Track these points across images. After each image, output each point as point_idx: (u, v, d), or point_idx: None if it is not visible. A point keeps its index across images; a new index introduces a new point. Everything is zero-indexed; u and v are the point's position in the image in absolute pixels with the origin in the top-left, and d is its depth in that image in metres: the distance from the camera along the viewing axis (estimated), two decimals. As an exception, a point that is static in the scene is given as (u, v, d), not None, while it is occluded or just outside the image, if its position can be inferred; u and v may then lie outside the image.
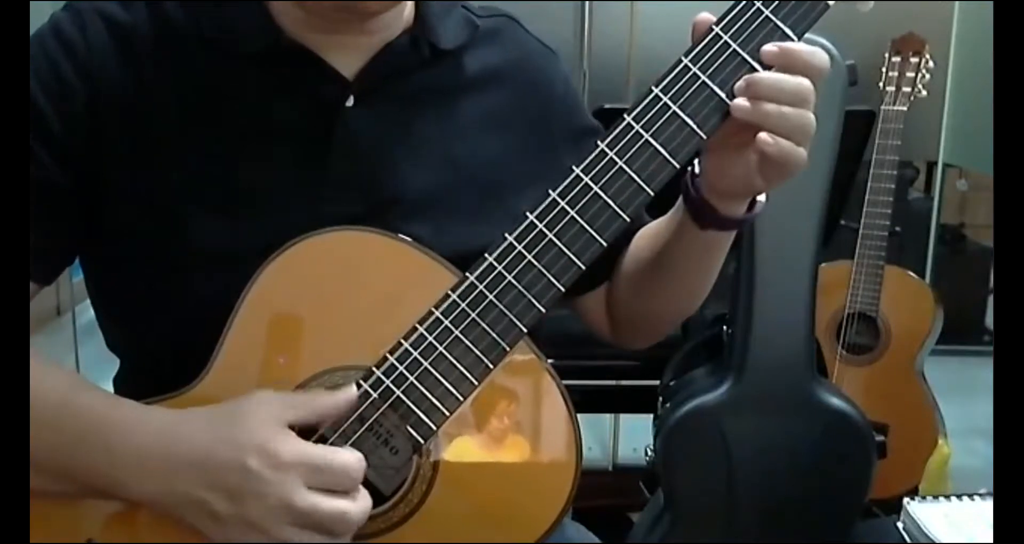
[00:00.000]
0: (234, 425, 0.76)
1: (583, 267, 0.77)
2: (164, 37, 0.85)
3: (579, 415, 0.81)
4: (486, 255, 0.78)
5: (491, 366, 0.78)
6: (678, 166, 0.76)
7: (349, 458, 0.76)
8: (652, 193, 0.77)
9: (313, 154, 0.86)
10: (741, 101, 0.75)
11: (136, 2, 0.86)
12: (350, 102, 0.87)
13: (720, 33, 0.75)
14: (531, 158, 0.92)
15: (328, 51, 0.86)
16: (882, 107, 2.16)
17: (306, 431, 0.78)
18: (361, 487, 0.76)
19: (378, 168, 0.87)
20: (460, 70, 0.92)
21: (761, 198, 0.86)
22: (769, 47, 0.75)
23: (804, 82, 0.76)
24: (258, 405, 0.77)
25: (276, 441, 0.74)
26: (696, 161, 0.84)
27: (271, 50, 0.85)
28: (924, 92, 2.19)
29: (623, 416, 2.74)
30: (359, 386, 0.79)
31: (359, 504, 0.76)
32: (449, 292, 0.78)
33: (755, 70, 0.75)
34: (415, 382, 0.78)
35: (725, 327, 1.69)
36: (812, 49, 0.76)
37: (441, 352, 0.78)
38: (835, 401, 1.64)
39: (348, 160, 0.86)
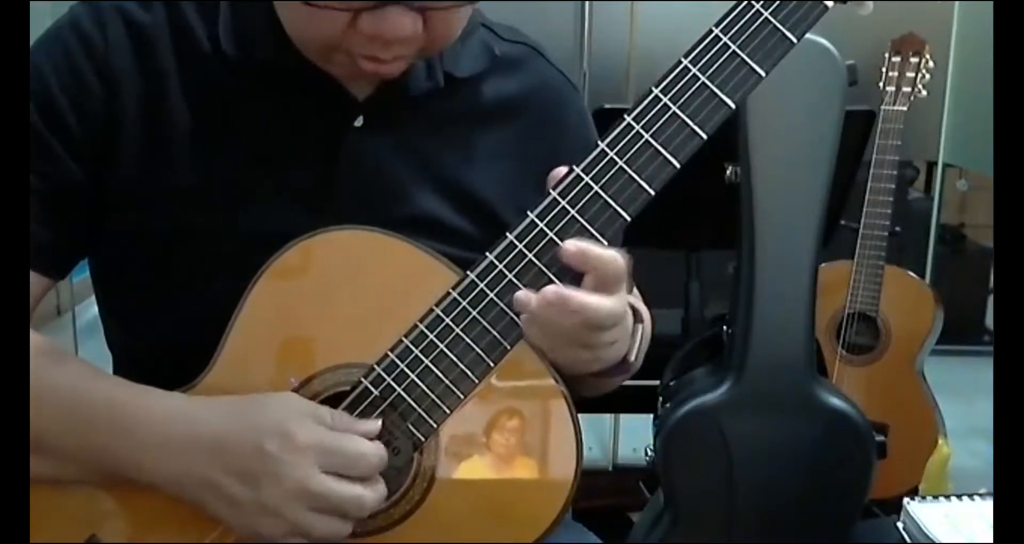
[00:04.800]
0: (253, 410, 0.77)
1: (584, 266, 0.78)
2: (181, 42, 0.85)
3: (579, 415, 0.82)
4: (487, 253, 0.78)
5: (492, 364, 0.78)
6: (678, 166, 0.77)
7: (366, 445, 0.76)
8: (653, 193, 0.77)
9: (319, 170, 0.86)
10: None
11: (155, 2, 0.86)
12: (359, 123, 0.86)
13: (720, 34, 0.76)
14: (537, 191, 0.91)
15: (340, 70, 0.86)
16: (882, 107, 2.16)
17: None
18: (377, 475, 0.77)
19: (382, 190, 0.87)
20: (474, 99, 0.91)
21: (632, 357, 0.86)
22: (569, 246, 0.76)
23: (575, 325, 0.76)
24: (280, 398, 0.78)
25: (293, 425, 0.75)
26: None
27: (283, 67, 0.85)
28: (924, 92, 2.19)
29: (623, 416, 2.74)
30: (360, 383, 0.79)
31: (375, 490, 0.77)
32: (450, 290, 0.78)
33: (754, 71, 0.76)
34: (416, 380, 0.79)
35: (725, 327, 1.69)
36: (610, 259, 0.76)
37: (442, 350, 0.78)
38: (835, 401, 1.64)
39: (353, 179, 0.86)
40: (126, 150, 0.84)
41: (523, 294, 0.77)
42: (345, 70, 0.83)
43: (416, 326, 0.79)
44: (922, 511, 1.03)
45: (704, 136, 0.76)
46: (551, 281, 0.77)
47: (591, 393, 0.94)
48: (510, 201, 0.90)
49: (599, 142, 0.77)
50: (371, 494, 0.77)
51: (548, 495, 0.81)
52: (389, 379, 0.79)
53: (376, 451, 0.77)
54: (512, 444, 0.82)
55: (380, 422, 0.79)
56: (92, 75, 0.83)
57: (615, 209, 0.77)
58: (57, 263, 0.87)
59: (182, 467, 0.77)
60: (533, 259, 0.77)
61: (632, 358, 0.87)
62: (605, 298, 0.77)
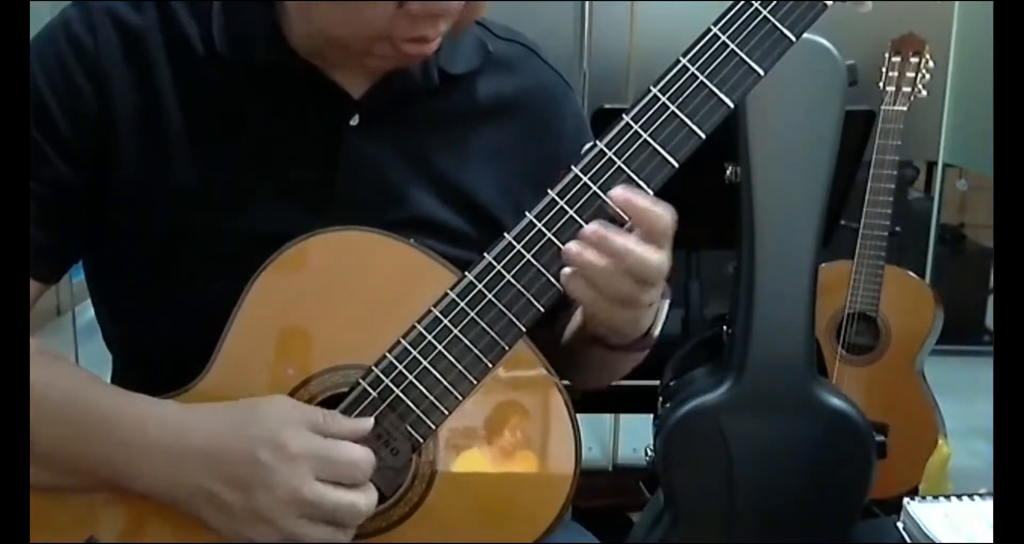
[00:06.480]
0: (247, 419, 0.77)
1: (582, 266, 0.77)
2: (173, 43, 0.85)
3: (579, 415, 0.81)
4: (485, 254, 0.78)
5: (490, 365, 0.78)
6: (677, 166, 0.77)
7: (358, 452, 0.76)
8: (652, 193, 0.77)
9: (317, 169, 0.86)
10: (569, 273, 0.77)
11: (146, 2, 0.86)
12: (355, 121, 0.86)
13: (718, 33, 0.76)
14: (534, 191, 0.91)
15: (336, 69, 0.86)
16: (882, 107, 2.16)
17: None
18: (368, 481, 0.77)
19: (379, 189, 0.87)
20: (470, 97, 0.91)
21: (655, 332, 0.87)
22: (617, 193, 0.76)
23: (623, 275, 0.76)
24: (273, 404, 0.78)
25: (286, 434, 0.75)
26: None
27: (278, 65, 0.85)
28: (924, 92, 2.19)
29: (623, 416, 2.74)
30: (358, 384, 0.79)
31: (367, 496, 0.77)
32: (448, 291, 0.78)
33: (753, 70, 0.76)
34: (414, 381, 0.78)
35: (725, 327, 1.69)
36: (660, 212, 0.76)
37: (440, 351, 0.78)
38: (835, 401, 1.64)
39: (351, 178, 0.86)
40: (121, 151, 0.84)
41: (572, 244, 0.76)
42: (382, 61, 0.82)
43: (414, 327, 0.78)
44: (922, 511, 1.03)
45: (703, 135, 0.76)
46: (549, 282, 0.77)
47: (604, 377, 0.95)
48: (506, 201, 0.90)
49: (597, 142, 0.77)
50: (364, 500, 0.77)
51: (548, 495, 0.81)
52: (387, 381, 0.79)
53: (367, 457, 0.77)
54: (510, 440, 0.82)
55: (372, 420, 0.79)
56: (82, 77, 0.83)
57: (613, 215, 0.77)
58: (51, 267, 0.87)
59: (176, 476, 0.77)
60: (531, 260, 0.77)
61: (655, 333, 0.87)
62: (652, 250, 0.77)
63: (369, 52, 0.81)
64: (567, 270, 0.77)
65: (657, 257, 0.77)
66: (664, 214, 0.77)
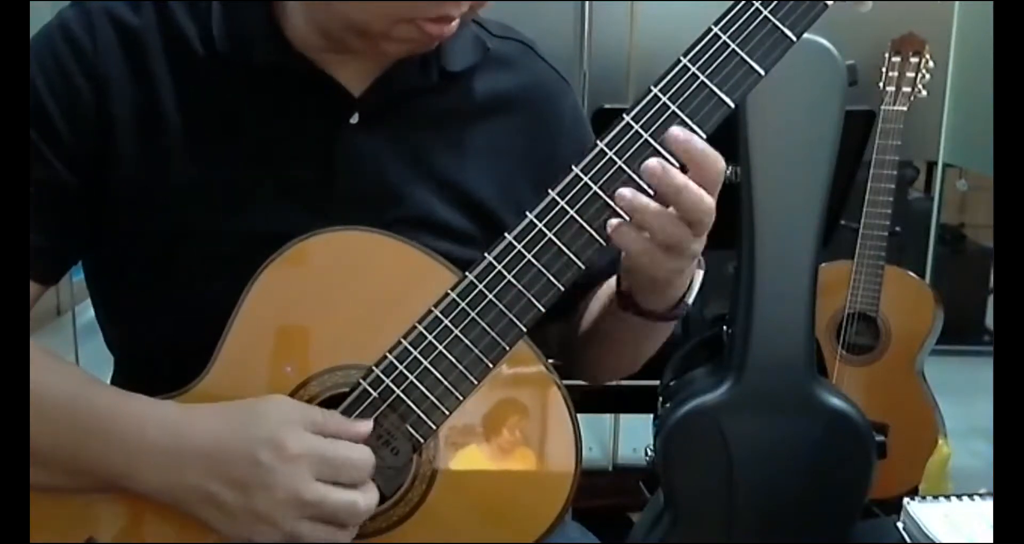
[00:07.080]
0: (247, 419, 0.77)
1: (583, 266, 0.78)
2: (172, 43, 0.85)
3: (579, 415, 0.81)
4: (486, 254, 0.78)
5: (490, 365, 0.78)
6: (677, 166, 0.77)
7: (357, 451, 0.77)
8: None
9: (317, 169, 0.86)
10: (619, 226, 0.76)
11: (145, 3, 0.86)
12: (355, 119, 0.86)
13: (719, 33, 0.76)
14: (534, 189, 0.88)
15: (335, 67, 0.86)
16: (882, 107, 2.16)
17: None
18: (369, 480, 0.77)
19: (379, 187, 0.87)
20: (468, 94, 0.91)
21: (690, 299, 0.87)
22: (677, 131, 0.75)
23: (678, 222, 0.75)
24: (272, 404, 0.78)
25: (286, 434, 0.75)
26: None
27: (278, 64, 0.85)
28: (924, 92, 2.19)
29: (623, 416, 2.74)
30: (359, 385, 0.79)
31: (368, 496, 0.77)
32: (449, 291, 0.78)
33: (753, 70, 0.76)
34: (415, 381, 0.78)
35: (725, 327, 1.69)
36: (716, 156, 0.76)
37: (441, 351, 0.78)
38: (835, 401, 1.64)
39: (351, 177, 0.86)
40: (120, 151, 0.84)
41: (624, 189, 0.75)
42: (399, 45, 0.82)
43: (415, 327, 0.79)
44: (922, 511, 1.03)
45: (703, 135, 0.76)
46: (550, 282, 0.77)
47: (631, 354, 0.96)
48: (506, 198, 0.91)
49: (598, 142, 0.77)
50: (364, 500, 0.77)
51: (548, 495, 0.81)
52: (388, 381, 0.79)
53: (364, 456, 0.77)
54: (510, 440, 0.82)
55: (372, 422, 0.79)
56: (81, 77, 0.83)
57: (614, 208, 0.77)
58: (50, 268, 0.87)
59: (176, 477, 0.77)
60: (532, 260, 0.77)
61: (689, 300, 0.87)
62: (705, 193, 0.76)
63: (388, 35, 0.80)
64: (613, 221, 0.76)
65: (709, 200, 0.76)
66: (719, 161, 0.76)
